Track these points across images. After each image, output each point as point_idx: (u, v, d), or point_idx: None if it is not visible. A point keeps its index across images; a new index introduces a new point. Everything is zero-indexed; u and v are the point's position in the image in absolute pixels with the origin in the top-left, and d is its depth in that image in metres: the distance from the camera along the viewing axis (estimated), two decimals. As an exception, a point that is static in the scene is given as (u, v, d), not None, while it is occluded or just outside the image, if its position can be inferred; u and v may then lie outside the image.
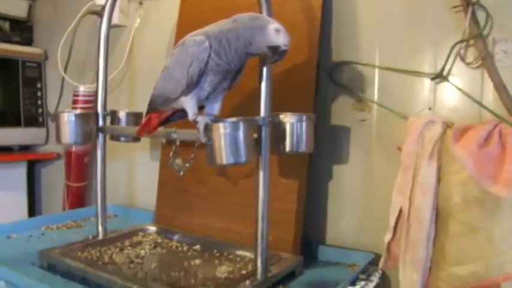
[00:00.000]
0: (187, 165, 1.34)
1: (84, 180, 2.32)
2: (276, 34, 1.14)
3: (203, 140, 1.19)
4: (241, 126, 1.13)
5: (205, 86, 1.22)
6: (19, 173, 2.56)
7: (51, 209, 2.65)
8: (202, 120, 1.19)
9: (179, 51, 1.24)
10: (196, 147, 1.28)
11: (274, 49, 1.15)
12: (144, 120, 1.41)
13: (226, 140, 1.12)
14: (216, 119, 1.18)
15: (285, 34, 1.14)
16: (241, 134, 1.12)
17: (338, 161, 1.60)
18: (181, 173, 1.35)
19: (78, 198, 2.32)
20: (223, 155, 1.13)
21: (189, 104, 1.25)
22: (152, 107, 1.37)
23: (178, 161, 1.36)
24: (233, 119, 1.15)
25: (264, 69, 1.23)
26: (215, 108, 1.28)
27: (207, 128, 1.16)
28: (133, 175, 2.21)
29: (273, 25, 1.14)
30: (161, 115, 1.40)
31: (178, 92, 1.24)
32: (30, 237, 1.73)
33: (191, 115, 1.24)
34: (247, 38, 1.15)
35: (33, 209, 2.69)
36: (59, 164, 2.56)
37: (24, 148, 2.67)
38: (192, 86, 1.22)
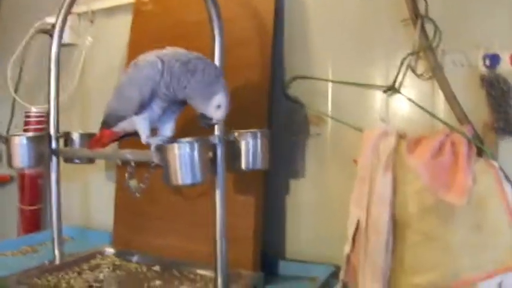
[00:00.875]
0: (141, 185, 1.32)
1: (38, 203, 2.26)
2: (215, 110, 1.16)
3: (156, 160, 1.18)
4: (196, 146, 1.12)
5: (155, 108, 1.22)
6: (-30, 197, 2.48)
7: (4, 234, 2.56)
8: (154, 141, 1.19)
9: (132, 71, 1.23)
10: (152, 167, 1.27)
11: (207, 118, 1.18)
12: (96, 136, 1.41)
13: (182, 160, 1.11)
14: (170, 140, 1.17)
15: (223, 112, 1.17)
16: (196, 154, 1.12)
17: (294, 175, 1.61)
18: (137, 194, 1.34)
19: (33, 221, 2.25)
20: (179, 176, 1.12)
21: (141, 125, 1.24)
22: (105, 125, 1.36)
23: (134, 182, 1.35)
24: (187, 139, 1.14)
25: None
26: (168, 128, 1.28)
27: (161, 149, 1.15)
28: (88, 196, 2.17)
29: (218, 99, 1.15)
30: (114, 133, 1.39)
31: (130, 111, 1.23)
32: (-18, 265, 1.68)
33: (144, 137, 1.23)
34: (192, 94, 1.17)
35: (-15, 234, 2.61)
36: (12, 187, 2.48)
37: (-25, 171, 2.59)
38: (144, 105, 1.21)
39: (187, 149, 1.11)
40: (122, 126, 1.32)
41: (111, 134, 1.38)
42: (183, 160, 1.11)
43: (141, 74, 1.20)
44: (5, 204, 2.57)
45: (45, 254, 1.75)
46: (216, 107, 1.15)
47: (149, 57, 1.20)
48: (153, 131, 1.27)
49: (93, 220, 2.15)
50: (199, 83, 1.15)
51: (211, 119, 1.17)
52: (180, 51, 1.21)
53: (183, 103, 1.24)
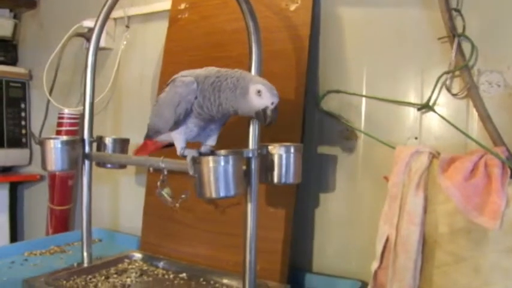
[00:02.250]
0: (182, 196, 1.34)
1: (68, 204, 2.30)
2: (258, 97, 1.15)
3: (190, 172, 1.19)
4: (231, 160, 1.13)
5: (191, 126, 1.25)
6: (1, 194, 2.53)
7: (33, 232, 2.61)
8: (190, 154, 1.20)
9: (169, 89, 1.27)
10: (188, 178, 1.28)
11: (263, 111, 1.16)
12: (140, 145, 1.46)
13: (216, 173, 1.12)
14: (206, 152, 1.18)
15: (267, 92, 1.16)
16: (230, 167, 1.12)
17: (325, 189, 1.61)
18: (169, 201, 1.35)
19: (62, 221, 2.29)
20: (213, 189, 1.12)
21: (177, 139, 1.27)
22: (148, 136, 1.42)
23: (167, 190, 1.36)
24: (223, 153, 1.15)
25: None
26: (210, 140, 1.31)
27: (196, 161, 1.15)
28: (118, 200, 2.19)
29: (254, 87, 1.15)
30: (157, 142, 1.44)
31: (167, 128, 1.28)
32: (12, 264, 1.71)
33: (179, 150, 1.26)
34: (230, 107, 1.18)
35: (15, 231, 2.65)
36: (42, 185, 2.53)
37: (7, 169, 2.63)
38: (179, 123, 1.25)
39: (222, 163, 1.12)
40: (162, 138, 1.37)
41: (154, 143, 1.43)
42: (218, 173, 1.12)
43: (176, 94, 1.23)
44: (35, 202, 2.62)
45: (73, 255, 1.79)
46: (257, 95, 1.15)
47: (185, 77, 1.23)
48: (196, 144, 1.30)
49: (122, 223, 2.17)
50: (229, 92, 1.17)
51: (265, 108, 1.16)
52: (212, 70, 1.23)
53: (225, 118, 1.27)
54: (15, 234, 2.64)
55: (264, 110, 1.16)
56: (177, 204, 1.36)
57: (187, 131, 1.26)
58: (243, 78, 1.18)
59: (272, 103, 1.16)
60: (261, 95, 1.15)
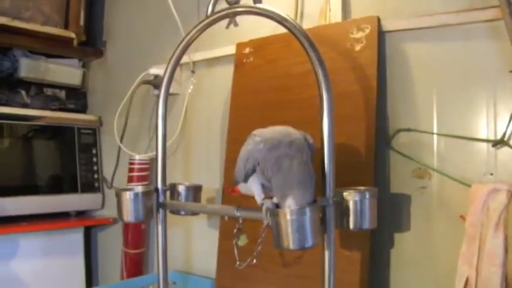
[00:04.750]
0: (259, 248, 1.34)
1: (141, 247, 2.34)
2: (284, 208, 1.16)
3: (265, 222, 1.21)
4: (308, 211, 1.12)
5: (262, 180, 1.28)
6: (76, 238, 2.59)
7: (108, 275, 2.67)
8: (266, 204, 1.21)
9: (246, 142, 1.30)
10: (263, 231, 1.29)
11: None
12: (230, 189, 1.49)
13: (293, 226, 1.11)
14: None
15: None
16: (308, 219, 1.11)
17: (399, 229, 1.58)
18: (254, 261, 1.37)
19: (136, 264, 2.33)
20: (290, 240, 1.12)
21: (254, 187, 1.29)
22: (235, 182, 1.43)
23: (243, 237, 1.38)
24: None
25: (326, 150, 1.22)
26: None
27: (273, 213, 1.15)
28: (191, 242, 2.22)
29: (289, 202, 1.15)
30: None
31: (241, 179, 1.32)
32: (93, 309, 1.75)
33: (257, 198, 1.28)
34: (273, 187, 1.20)
35: (90, 274, 2.72)
36: (116, 228, 2.59)
37: (81, 213, 2.72)
38: (248, 177, 1.29)
39: (299, 214, 1.11)
40: (242, 189, 1.40)
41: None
42: (295, 225, 1.11)
43: (247, 149, 1.27)
44: (108, 245, 2.68)
45: (151, 299, 1.81)
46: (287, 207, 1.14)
47: (258, 135, 1.25)
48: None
49: (196, 265, 2.19)
50: (281, 180, 1.17)
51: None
52: (281, 132, 1.23)
53: None
54: (90, 277, 2.71)
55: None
56: (243, 264, 1.38)
57: (260, 182, 1.28)
58: (295, 184, 1.16)
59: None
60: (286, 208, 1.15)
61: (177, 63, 1.57)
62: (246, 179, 1.30)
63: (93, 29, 2.82)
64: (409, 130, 1.56)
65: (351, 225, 1.27)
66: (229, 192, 1.49)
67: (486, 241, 1.31)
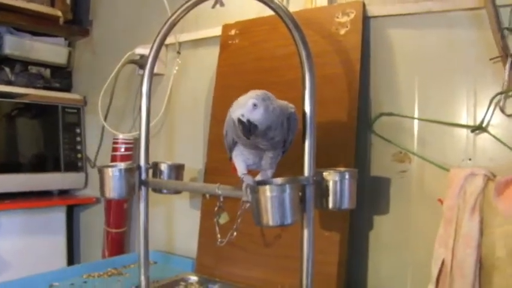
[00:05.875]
0: (238, 221, 1.35)
1: (123, 226, 2.35)
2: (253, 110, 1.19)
3: (245, 198, 1.22)
4: (288, 188, 1.13)
5: (246, 154, 1.30)
6: (58, 217, 2.58)
7: (90, 254, 2.68)
8: (246, 182, 1.23)
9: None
10: (242, 204, 1.30)
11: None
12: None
13: (273, 202, 1.12)
14: (262, 181, 1.20)
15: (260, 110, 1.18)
16: (287, 196, 1.13)
17: (378, 211, 1.61)
18: (234, 234, 1.37)
19: (118, 243, 2.34)
20: (270, 217, 1.13)
21: (237, 162, 1.31)
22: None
23: (224, 215, 1.39)
24: (279, 181, 1.17)
25: (308, 129, 1.22)
26: (270, 167, 1.33)
27: (252, 190, 1.16)
28: (172, 222, 2.23)
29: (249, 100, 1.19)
30: None
31: (230, 155, 1.34)
32: (72, 286, 1.75)
33: (239, 173, 1.30)
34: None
35: (72, 253, 2.72)
36: (98, 208, 2.60)
37: (63, 192, 2.71)
38: (231, 149, 1.31)
39: (279, 192, 1.12)
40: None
41: None
42: (274, 202, 1.12)
43: (226, 121, 1.30)
44: (91, 224, 2.68)
45: (130, 278, 1.82)
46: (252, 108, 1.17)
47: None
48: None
49: (177, 245, 2.20)
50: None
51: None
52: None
53: (277, 148, 1.30)
54: (72, 256, 2.71)
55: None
56: (235, 233, 1.37)
57: (244, 158, 1.30)
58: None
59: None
60: (255, 108, 1.18)
61: (162, 41, 1.57)
62: (231, 151, 1.31)
63: (79, 8, 2.79)
64: (391, 114, 1.57)
65: (330, 205, 1.28)
66: (233, 172, 1.50)
67: (462, 224, 1.33)
